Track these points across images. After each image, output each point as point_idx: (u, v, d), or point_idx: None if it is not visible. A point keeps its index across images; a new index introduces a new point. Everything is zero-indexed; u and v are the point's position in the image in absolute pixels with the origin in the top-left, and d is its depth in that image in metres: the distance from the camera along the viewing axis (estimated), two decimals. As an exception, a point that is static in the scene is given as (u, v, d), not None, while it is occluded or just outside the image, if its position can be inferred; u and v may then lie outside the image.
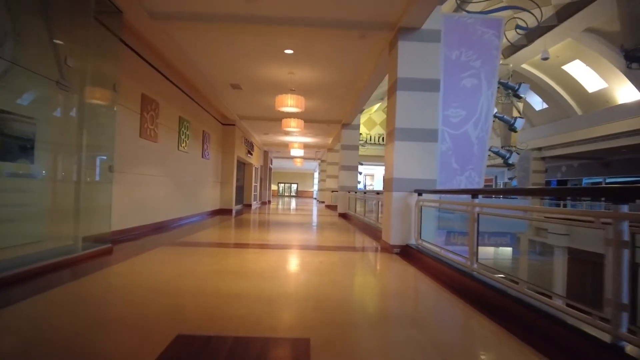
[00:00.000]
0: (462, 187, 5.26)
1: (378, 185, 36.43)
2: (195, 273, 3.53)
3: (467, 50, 5.41)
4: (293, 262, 4.19)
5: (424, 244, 4.53)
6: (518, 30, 9.22)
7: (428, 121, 5.02)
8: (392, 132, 5.09)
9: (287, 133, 14.73)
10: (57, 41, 3.76)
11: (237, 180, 15.81)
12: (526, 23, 8.74)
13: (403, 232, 4.94)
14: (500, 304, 2.51)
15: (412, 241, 4.85)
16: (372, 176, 34.92)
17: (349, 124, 11.70)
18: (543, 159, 18.74)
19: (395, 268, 4.17)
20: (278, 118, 9.74)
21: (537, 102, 18.81)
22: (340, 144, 12.62)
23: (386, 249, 5.09)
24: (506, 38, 6.61)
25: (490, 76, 5.29)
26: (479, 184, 5.30)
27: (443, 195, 4.76)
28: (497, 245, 5.58)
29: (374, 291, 3.41)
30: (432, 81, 5.05)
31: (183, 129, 8.06)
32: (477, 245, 3.09)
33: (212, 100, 9.69)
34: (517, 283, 2.61)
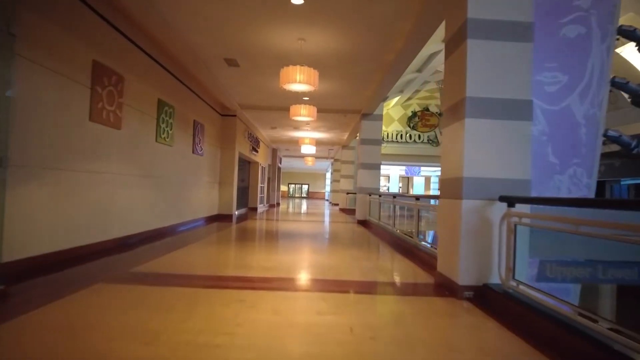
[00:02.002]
0: (565, 191, 3.41)
1: (393, 187, 34.41)
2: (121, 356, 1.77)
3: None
4: (305, 330, 2.37)
5: (521, 287, 2.69)
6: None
7: (517, 88, 3.18)
8: (458, 106, 3.26)
9: (297, 127, 12.97)
10: None
11: (242, 180, 14.13)
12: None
13: (479, 264, 3.10)
14: None
15: (495, 279, 3.02)
16: (387, 177, 32.98)
17: (370, 114, 9.85)
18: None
19: (477, 332, 2.35)
20: (286, 107, 7.96)
21: None
22: (358, 139, 10.79)
23: (448, 288, 3.26)
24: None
25: (606, 22, 3.42)
26: (588, 187, 3.44)
27: (544, 207, 2.93)
28: None
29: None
30: (521, 25, 3.20)
31: (164, 115, 6.34)
32: None
33: (206, 82, 7.97)
34: None
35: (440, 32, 10.96)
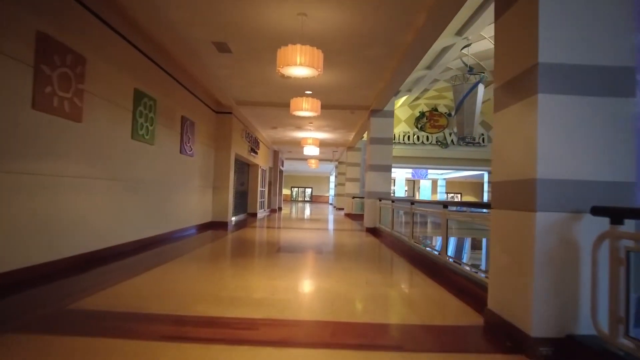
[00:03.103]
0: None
1: (399, 191, 33.26)
2: None
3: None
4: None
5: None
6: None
7: (613, 50, 2.21)
8: (523, 78, 2.29)
9: (299, 127, 12.04)
10: None
11: (241, 184, 13.20)
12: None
13: (561, 306, 2.12)
14: None
15: (586, 329, 2.04)
16: (392, 180, 31.93)
17: (379, 110, 8.89)
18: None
19: None
20: (286, 103, 7.02)
21: None
22: (366, 139, 9.84)
23: (509, 337, 2.28)
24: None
25: None
26: None
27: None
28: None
29: None
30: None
31: (142, 108, 5.41)
32: None
33: (195, 73, 7.06)
34: None
35: (453, 24, 10.00)
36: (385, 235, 7.60)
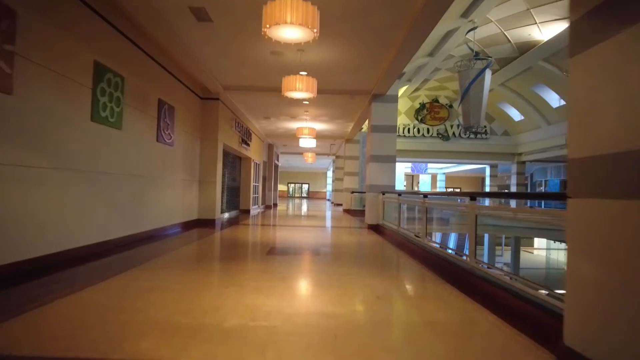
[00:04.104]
0: None
1: (398, 186, 32.34)
2: None
3: None
4: None
5: None
6: None
7: None
8: (636, -8, 1.46)
9: (294, 116, 11.18)
10: None
11: (233, 179, 12.34)
12: None
13: None
14: None
15: None
16: (391, 175, 31.07)
17: (382, 94, 8.04)
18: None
19: None
20: (278, 87, 6.13)
21: None
22: (367, 127, 9.00)
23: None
24: None
25: None
26: None
27: None
28: None
29: None
30: None
31: (105, 85, 4.54)
32: None
33: (172, 50, 6.16)
34: None
35: (459, 4, 9.10)
36: (389, 233, 6.79)
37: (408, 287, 3.67)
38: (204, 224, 8.13)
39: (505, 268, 3.50)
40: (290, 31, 3.64)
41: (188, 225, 7.66)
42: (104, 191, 4.68)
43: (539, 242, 14.00)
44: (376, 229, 7.97)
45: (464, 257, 3.52)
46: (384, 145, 8.05)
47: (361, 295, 3.13)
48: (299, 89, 5.70)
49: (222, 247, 5.72)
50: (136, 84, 5.36)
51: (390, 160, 8.12)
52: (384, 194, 7.85)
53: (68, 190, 3.98)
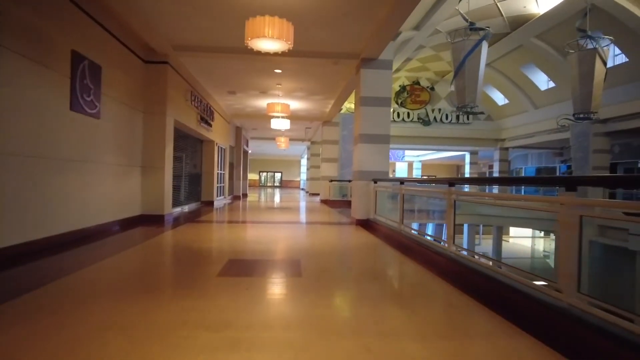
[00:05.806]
0: None
1: (399, 173, 31.14)
2: None
3: None
4: None
5: None
6: None
7: None
8: None
9: (265, 91, 9.45)
10: None
11: (194, 166, 10.50)
12: None
13: None
14: None
15: None
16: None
17: (373, 58, 6.49)
18: (609, 134, 14.03)
19: None
20: (243, 46, 4.39)
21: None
22: (355, 101, 7.47)
23: None
24: None
25: None
26: None
27: None
28: None
29: None
30: None
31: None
32: None
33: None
34: None
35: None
36: (385, 231, 5.34)
37: (460, 342, 2.20)
38: (150, 220, 6.38)
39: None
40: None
41: (127, 223, 5.89)
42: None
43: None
44: (366, 224, 6.51)
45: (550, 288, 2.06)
46: (376, 122, 6.53)
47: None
48: (270, 35, 4.05)
49: (153, 262, 4.01)
50: (27, 22, 3.53)
51: (384, 140, 6.63)
52: (376, 182, 6.38)
53: None
